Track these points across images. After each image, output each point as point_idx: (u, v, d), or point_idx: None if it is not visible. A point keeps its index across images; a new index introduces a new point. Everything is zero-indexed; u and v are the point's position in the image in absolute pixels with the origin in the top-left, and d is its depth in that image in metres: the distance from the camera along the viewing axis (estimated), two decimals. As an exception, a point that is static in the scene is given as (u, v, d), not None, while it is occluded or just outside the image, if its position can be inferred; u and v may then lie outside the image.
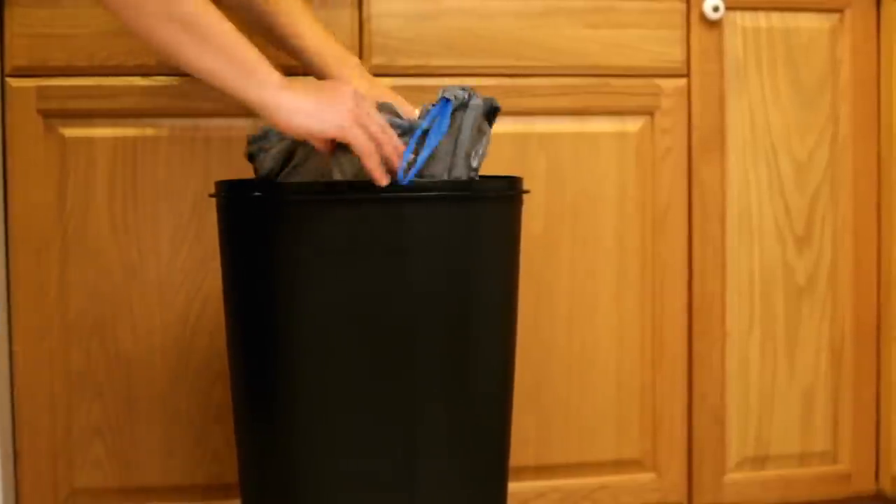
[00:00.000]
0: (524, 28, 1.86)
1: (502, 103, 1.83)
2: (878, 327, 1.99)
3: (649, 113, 1.90)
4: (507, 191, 1.49)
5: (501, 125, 1.85)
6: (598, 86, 1.88)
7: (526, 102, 1.86)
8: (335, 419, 1.39)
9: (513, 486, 1.88)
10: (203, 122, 1.77)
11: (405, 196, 1.39)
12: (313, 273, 1.38)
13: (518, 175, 1.84)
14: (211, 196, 1.50)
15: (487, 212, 1.45)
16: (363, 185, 1.41)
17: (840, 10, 1.96)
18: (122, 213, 1.76)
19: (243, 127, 1.77)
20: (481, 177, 1.60)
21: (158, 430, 1.79)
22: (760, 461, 1.97)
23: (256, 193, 1.41)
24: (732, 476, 1.96)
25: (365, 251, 1.37)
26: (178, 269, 1.78)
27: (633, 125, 1.90)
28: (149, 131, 1.77)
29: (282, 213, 1.40)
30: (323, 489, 1.41)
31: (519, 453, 1.88)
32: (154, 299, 1.78)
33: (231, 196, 1.47)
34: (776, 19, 1.93)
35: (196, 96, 1.76)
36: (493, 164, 1.83)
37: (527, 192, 1.52)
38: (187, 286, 1.78)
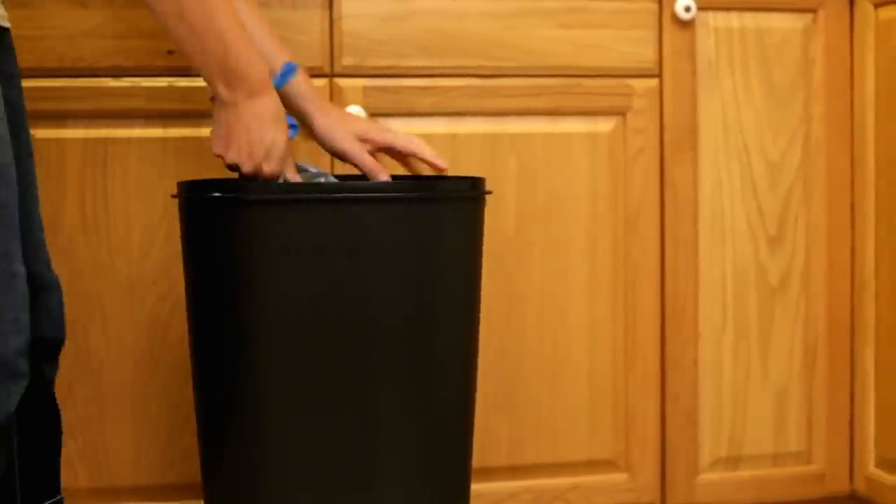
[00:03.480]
0: (496, 29, 1.86)
1: (474, 104, 1.86)
2: (852, 327, 1.99)
3: (621, 113, 1.90)
4: (468, 191, 1.48)
5: (473, 125, 1.87)
6: (570, 86, 1.88)
7: (498, 103, 1.86)
8: (294, 419, 1.39)
9: (485, 487, 1.89)
10: (174, 123, 1.78)
11: (364, 196, 1.39)
12: (272, 273, 1.38)
13: (489, 175, 1.85)
14: (173, 196, 1.50)
15: (448, 212, 1.44)
16: (321, 186, 1.40)
17: (813, 10, 1.96)
18: (93, 214, 1.77)
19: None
20: (444, 177, 1.60)
21: (130, 430, 1.79)
22: (734, 461, 1.97)
23: (215, 194, 1.41)
24: (706, 476, 1.96)
25: (323, 251, 1.37)
26: (149, 270, 1.78)
27: (605, 125, 1.90)
28: (119, 132, 1.77)
29: (241, 213, 1.39)
30: (283, 489, 1.40)
31: (491, 453, 1.89)
32: (125, 299, 1.78)
33: (191, 196, 1.47)
34: (748, 19, 1.93)
35: (167, 97, 1.77)
36: (464, 165, 1.84)
37: (489, 192, 1.52)
38: (158, 286, 1.78)
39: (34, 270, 1.41)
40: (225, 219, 1.41)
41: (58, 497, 1.49)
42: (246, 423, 1.41)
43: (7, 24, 1.42)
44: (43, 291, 1.43)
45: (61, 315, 1.47)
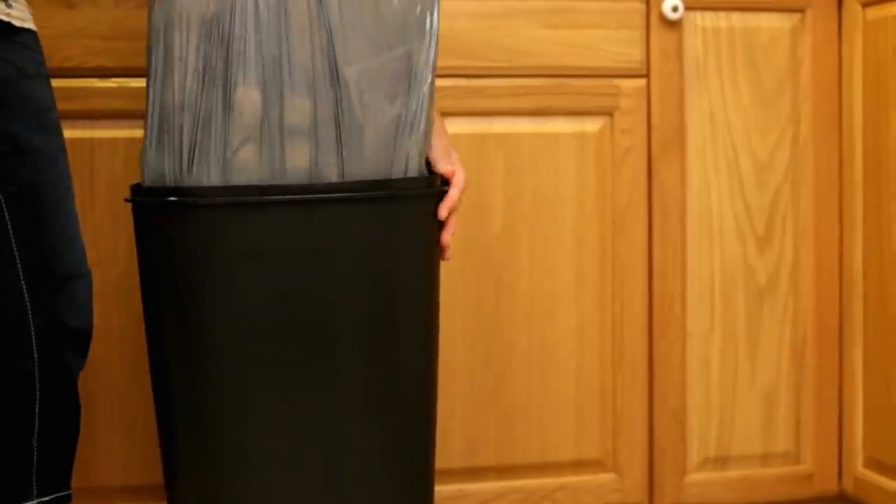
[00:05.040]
0: (483, 29, 1.86)
1: (461, 104, 1.86)
2: (840, 327, 1.99)
3: (609, 113, 1.90)
4: (427, 189, 1.47)
5: (460, 125, 1.86)
6: (557, 86, 1.88)
7: (485, 103, 1.86)
8: (255, 421, 1.39)
9: (473, 487, 1.90)
10: (160, 124, 1.78)
11: (322, 197, 1.38)
12: (231, 276, 1.37)
13: (477, 175, 1.86)
14: (126, 200, 1.49)
15: (406, 210, 1.44)
16: (280, 188, 1.40)
17: (801, 10, 1.96)
18: (81, 215, 1.75)
19: (200, 128, 1.78)
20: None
21: (118, 431, 1.80)
22: (722, 462, 1.97)
23: (171, 198, 1.40)
24: (693, 477, 1.96)
25: (281, 254, 1.37)
26: (135, 271, 1.76)
27: (592, 125, 1.90)
28: (106, 133, 1.77)
29: (197, 216, 1.39)
30: (244, 492, 1.41)
31: (479, 453, 1.89)
32: (112, 301, 1.78)
33: (146, 200, 1.46)
34: (736, 19, 1.93)
35: (153, 98, 1.77)
36: (451, 165, 1.84)
37: (446, 187, 1.51)
38: (145, 287, 1.78)
39: (67, 260, 1.47)
40: (180, 223, 1.40)
41: (67, 492, 1.51)
42: (205, 422, 1.41)
43: (30, 27, 1.45)
44: (71, 280, 1.47)
45: (88, 304, 1.50)
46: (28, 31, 1.47)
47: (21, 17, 1.45)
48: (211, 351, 1.40)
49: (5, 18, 1.41)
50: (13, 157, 1.42)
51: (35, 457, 1.44)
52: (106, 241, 1.77)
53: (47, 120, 1.48)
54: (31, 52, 1.47)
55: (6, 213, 1.40)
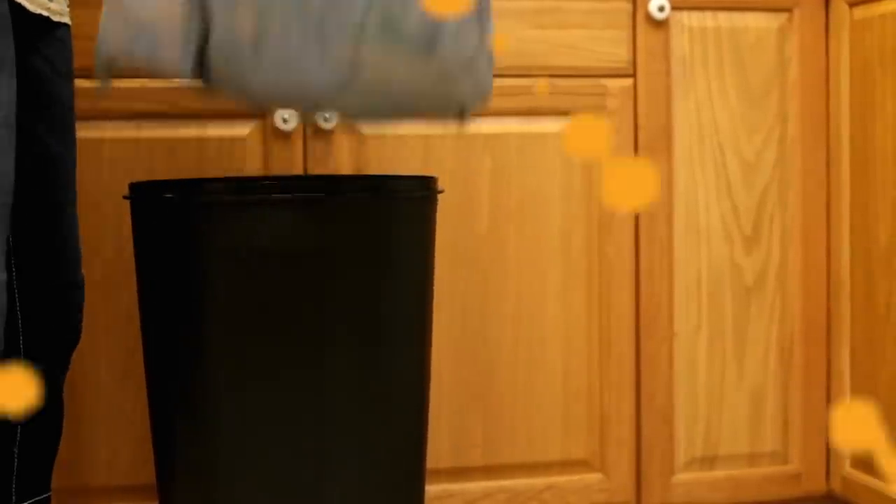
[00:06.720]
0: (470, 29, 1.86)
1: (447, 104, 1.86)
2: (828, 327, 1.99)
3: (596, 113, 1.90)
4: (421, 191, 1.48)
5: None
6: (544, 86, 1.89)
7: (471, 103, 1.87)
8: (247, 421, 1.40)
9: (460, 487, 1.89)
10: (146, 124, 1.78)
11: (316, 197, 1.38)
12: (226, 273, 1.38)
13: (463, 175, 1.86)
14: (125, 198, 1.50)
15: (401, 212, 1.44)
16: (274, 187, 1.40)
17: (788, 10, 1.96)
18: (67, 215, 1.77)
19: (186, 129, 1.78)
20: (395, 176, 1.60)
21: (103, 431, 1.80)
22: (709, 461, 1.97)
23: (168, 195, 1.41)
24: (681, 476, 1.96)
25: (276, 252, 1.37)
26: (122, 270, 1.78)
27: (579, 125, 1.91)
28: (92, 133, 1.77)
29: (194, 214, 1.39)
30: (235, 489, 1.41)
31: (466, 453, 1.89)
32: (98, 299, 1.78)
33: (144, 198, 1.46)
34: (723, 19, 1.93)
35: (139, 98, 1.77)
36: (437, 165, 1.84)
37: (441, 191, 1.52)
38: (131, 286, 1.78)
39: (63, 267, 1.46)
40: (177, 220, 1.41)
41: (47, 493, 1.51)
42: (200, 421, 1.42)
43: (66, 20, 1.44)
44: (64, 289, 1.46)
45: (77, 313, 1.50)
46: (65, 25, 1.45)
47: (60, 10, 1.43)
48: (204, 349, 1.40)
49: (45, 13, 1.39)
50: (29, 160, 1.40)
51: (16, 464, 1.44)
52: (91, 242, 1.77)
53: (67, 122, 1.46)
54: (65, 49, 1.45)
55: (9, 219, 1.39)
